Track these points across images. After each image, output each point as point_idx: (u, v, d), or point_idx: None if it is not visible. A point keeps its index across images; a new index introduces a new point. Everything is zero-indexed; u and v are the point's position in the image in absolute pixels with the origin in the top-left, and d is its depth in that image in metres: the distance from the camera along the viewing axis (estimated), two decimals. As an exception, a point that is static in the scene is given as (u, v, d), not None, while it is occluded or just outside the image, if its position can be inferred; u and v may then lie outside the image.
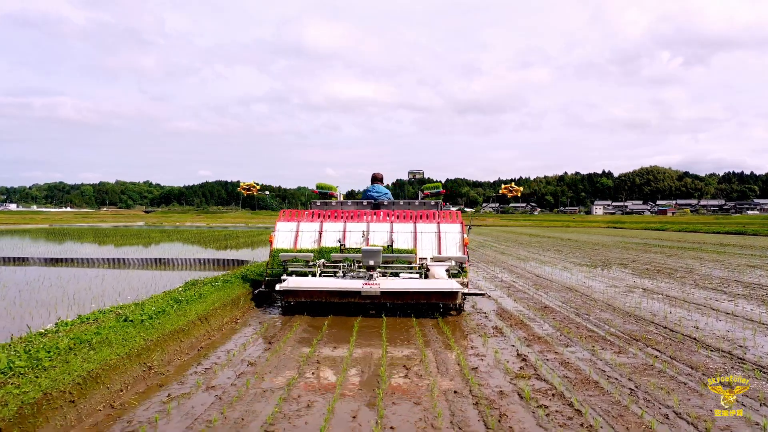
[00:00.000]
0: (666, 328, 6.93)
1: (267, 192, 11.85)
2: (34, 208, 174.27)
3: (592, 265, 15.58)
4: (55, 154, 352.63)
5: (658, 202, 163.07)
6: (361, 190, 11.87)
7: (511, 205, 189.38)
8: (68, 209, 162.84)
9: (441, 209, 10.08)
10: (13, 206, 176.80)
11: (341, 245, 8.59)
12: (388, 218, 9.20)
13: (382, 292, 7.31)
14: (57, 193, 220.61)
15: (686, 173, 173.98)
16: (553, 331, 6.73)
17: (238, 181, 11.50)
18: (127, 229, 44.78)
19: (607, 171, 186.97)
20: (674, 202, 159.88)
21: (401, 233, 8.87)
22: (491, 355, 5.54)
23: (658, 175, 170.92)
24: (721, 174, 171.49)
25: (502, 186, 10.10)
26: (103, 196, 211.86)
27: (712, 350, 5.82)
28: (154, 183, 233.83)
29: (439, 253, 8.52)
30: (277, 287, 7.49)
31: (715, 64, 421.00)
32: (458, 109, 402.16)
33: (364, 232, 8.88)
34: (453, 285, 7.50)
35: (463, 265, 8.34)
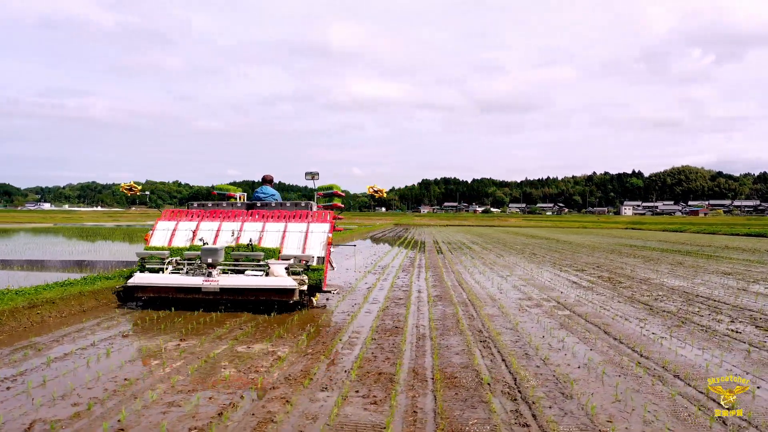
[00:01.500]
0: (491, 366, 5.32)
1: (147, 192, 11.91)
2: (66, 207, 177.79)
3: (545, 271, 13.84)
4: (87, 153, 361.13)
5: (690, 203, 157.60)
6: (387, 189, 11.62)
7: (538, 205, 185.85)
8: (99, 209, 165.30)
9: (312, 209, 9.68)
10: (47, 206, 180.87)
11: (204, 243, 8.51)
12: (262, 218, 9.23)
13: (221, 289, 7.67)
14: (89, 193, 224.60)
15: (719, 173, 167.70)
16: (345, 373, 5.19)
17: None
18: (129, 228, 44.13)
19: (637, 171, 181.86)
20: (707, 202, 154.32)
21: (271, 232, 8.92)
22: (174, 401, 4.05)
23: (690, 175, 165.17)
24: (757, 174, 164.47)
25: (368, 187, 10.60)
26: (134, 195, 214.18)
27: (489, 405, 4.22)
28: (183, 182, 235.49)
29: (304, 251, 8.47)
30: (127, 282, 7.94)
31: (748, 61, 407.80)
32: (481, 108, 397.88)
33: (233, 231, 8.95)
34: (288, 282, 7.62)
35: (309, 264, 8.12)
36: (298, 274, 7.95)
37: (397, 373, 4.87)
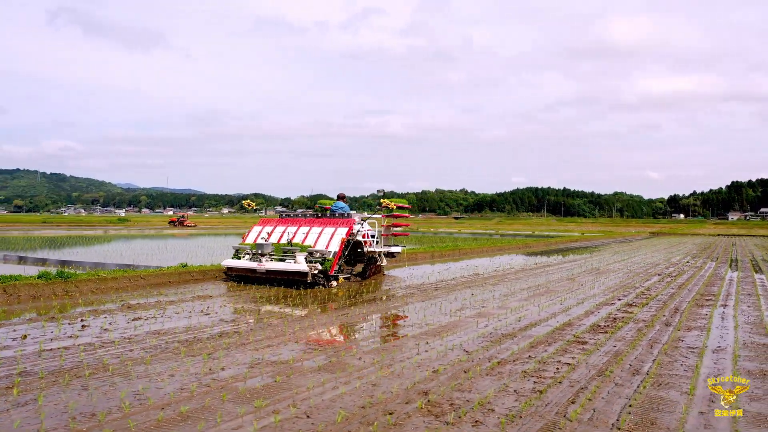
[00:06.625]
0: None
1: (258, 207, 16.66)
2: (365, 214, 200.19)
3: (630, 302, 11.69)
4: (386, 166, 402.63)
5: None
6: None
7: None
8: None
9: (353, 217, 12.92)
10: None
11: (264, 240, 12.54)
12: (309, 224, 13.03)
13: (266, 270, 11.58)
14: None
15: None
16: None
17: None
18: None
19: None
20: None
21: (312, 234, 12.58)
22: None
23: None
24: None
25: (406, 199, 14.42)
26: (423, 203, 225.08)
27: None
28: (469, 191, 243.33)
29: (327, 247, 11.88)
30: (222, 264, 12.73)
31: None
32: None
33: (288, 233, 12.76)
34: (303, 267, 11.10)
35: (326, 257, 11.55)
36: (314, 263, 11.36)
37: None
